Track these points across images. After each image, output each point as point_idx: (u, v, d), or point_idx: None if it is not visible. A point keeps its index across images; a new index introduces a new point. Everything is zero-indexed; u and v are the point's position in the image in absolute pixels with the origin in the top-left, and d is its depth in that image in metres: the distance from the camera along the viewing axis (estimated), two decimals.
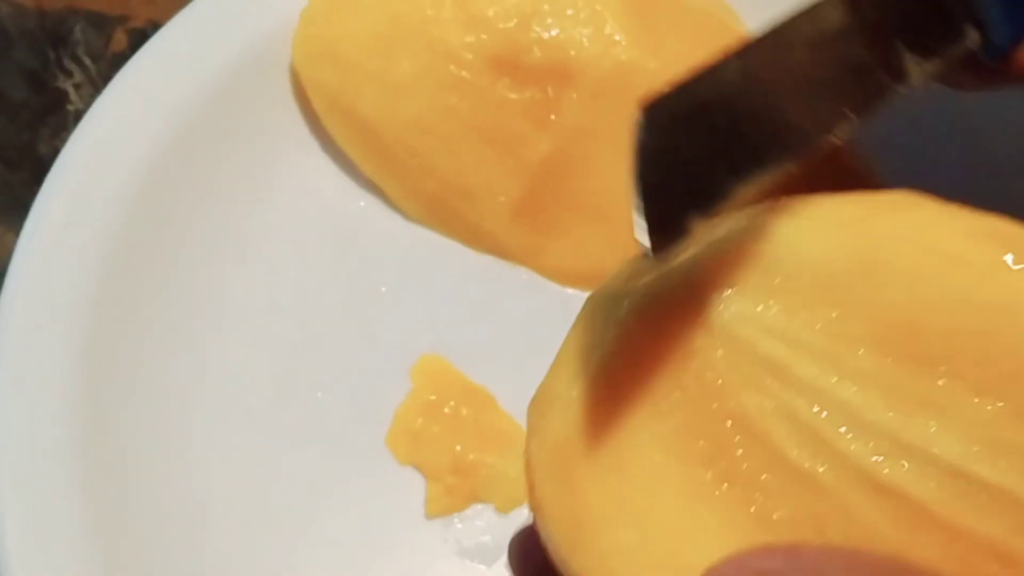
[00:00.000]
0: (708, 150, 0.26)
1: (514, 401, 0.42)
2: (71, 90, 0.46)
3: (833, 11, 0.28)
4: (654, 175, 0.24)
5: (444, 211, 0.43)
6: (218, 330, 0.42)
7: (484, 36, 0.41)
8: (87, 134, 0.41)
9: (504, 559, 0.41)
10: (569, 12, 0.41)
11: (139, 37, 0.47)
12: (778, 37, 0.28)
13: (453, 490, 0.41)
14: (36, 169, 0.45)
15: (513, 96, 0.42)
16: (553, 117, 0.42)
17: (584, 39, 0.41)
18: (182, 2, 0.45)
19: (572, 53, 0.41)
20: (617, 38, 0.41)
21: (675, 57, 0.42)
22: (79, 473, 0.37)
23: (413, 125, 0.42)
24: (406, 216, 0.44)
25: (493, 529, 0.41)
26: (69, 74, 0.46)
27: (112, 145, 0.41)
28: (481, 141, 0.42)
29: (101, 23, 0.47)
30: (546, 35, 0.41)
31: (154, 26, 0.47)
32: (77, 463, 0.37)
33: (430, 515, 0.41)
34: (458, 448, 0.42)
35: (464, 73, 0.42)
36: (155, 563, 0.38)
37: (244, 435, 0.41)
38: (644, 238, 0.24)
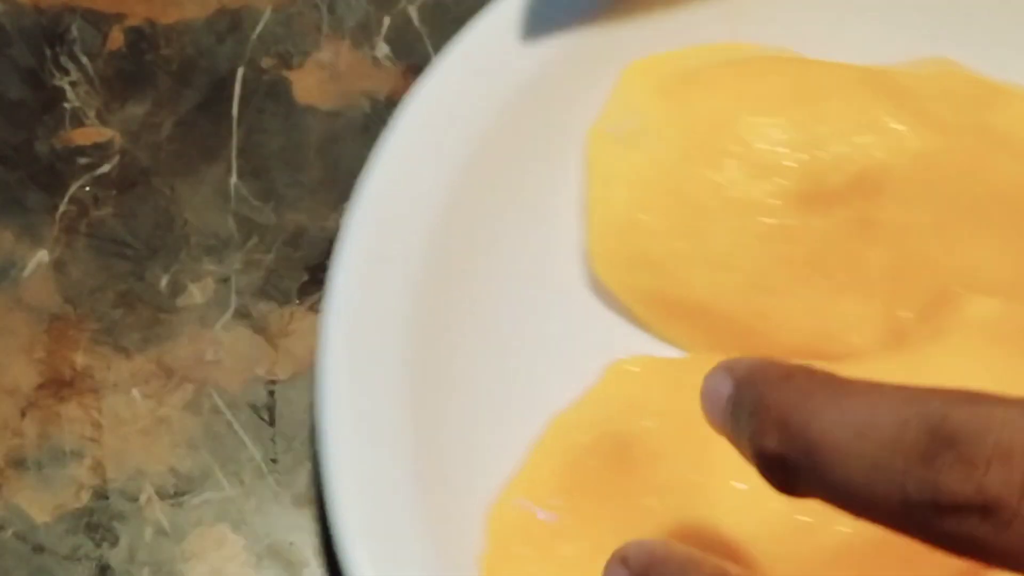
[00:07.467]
0: None
1: None
2: (68, 88, 0.46)
3: None
4: None
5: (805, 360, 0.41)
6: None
7: (781, 180, 0.40)
8: (391, 154, 0.41)
9: None
10: (844, 124, 0.41)
11: (136, 35, 0.47)
12: None
13: None
14: (32, 167, 0.45)
15: (831, 223, 0.41)
16: (876, 227, 0.41)
17: (870, 143, 0.41)
18: (179, 0, 0.45)
19: (866, 161, 0.41)
20: (900, 129, 0.41)
21: (947, 122, 0.42)
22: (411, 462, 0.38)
23: (751, 289, 0.41)
24: None
25: None
26: (66, 72, 0.46)
27: (416, 163, 0.41)
28: (822, 277, 0.41)
29: (98, 21, 0.47)
30: (835, 155, 0.41)
31: (151, 24, 0.47)
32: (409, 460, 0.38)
33: None
34: None
35: (777, 220, 0.40)
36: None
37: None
38: None
